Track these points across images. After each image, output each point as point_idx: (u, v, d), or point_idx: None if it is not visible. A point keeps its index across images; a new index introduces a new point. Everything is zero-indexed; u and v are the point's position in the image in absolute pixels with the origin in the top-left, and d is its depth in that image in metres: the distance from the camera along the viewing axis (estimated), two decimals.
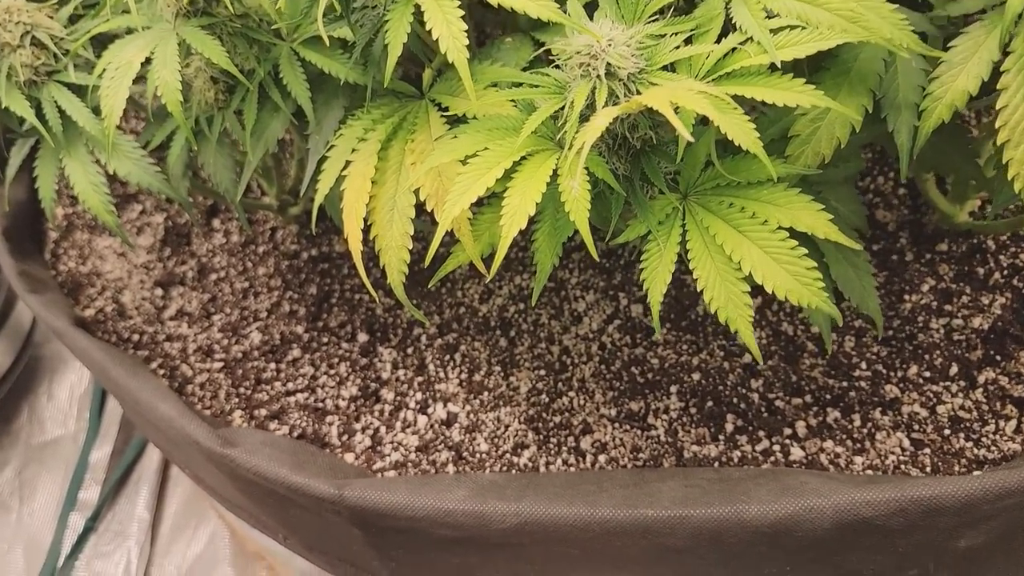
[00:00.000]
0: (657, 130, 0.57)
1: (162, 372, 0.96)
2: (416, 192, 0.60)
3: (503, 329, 0.92)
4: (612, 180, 0.55)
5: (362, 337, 0.95)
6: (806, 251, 0.54)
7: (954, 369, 0.80)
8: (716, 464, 0.79)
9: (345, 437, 0.88)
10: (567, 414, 0.86)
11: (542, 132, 0.57)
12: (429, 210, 0.61)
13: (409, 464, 0.85)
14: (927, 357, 0.81)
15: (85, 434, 1.37)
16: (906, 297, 0.85)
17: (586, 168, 0.54)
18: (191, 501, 1.27)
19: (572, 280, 0.93)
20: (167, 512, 1.28)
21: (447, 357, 0.91)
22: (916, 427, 0.78)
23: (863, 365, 0.82)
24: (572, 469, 0.81)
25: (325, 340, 0.96)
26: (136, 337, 1.00)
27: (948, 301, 0.84)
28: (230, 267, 1.04)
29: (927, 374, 0.81)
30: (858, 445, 0.78)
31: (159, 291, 1.04)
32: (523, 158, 0.55)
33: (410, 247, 0.63)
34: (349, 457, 0.86)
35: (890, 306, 0.85)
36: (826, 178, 0.64)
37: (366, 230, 0.63)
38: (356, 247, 0.63)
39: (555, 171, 0.55)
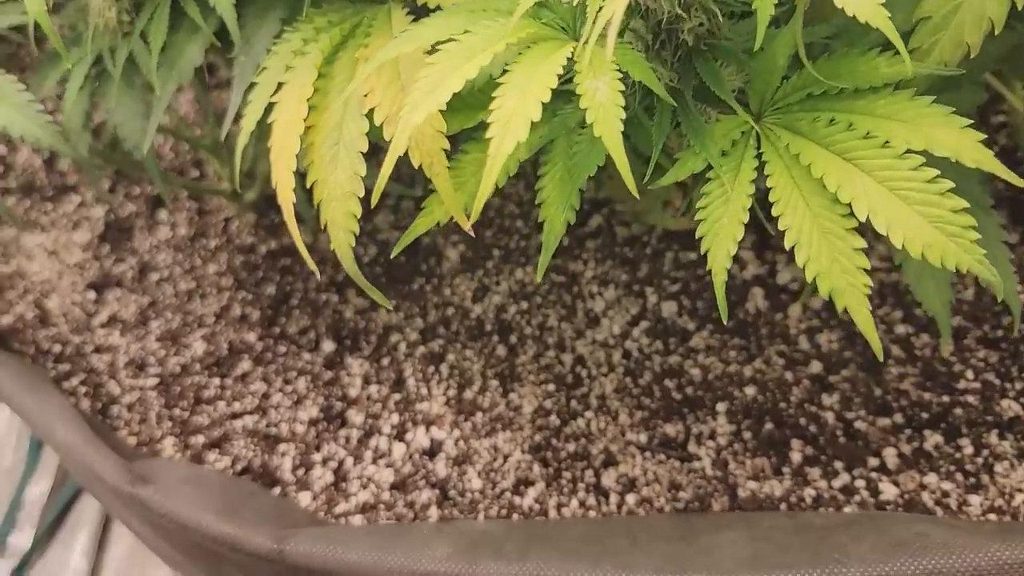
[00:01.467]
0: (717, 20, 0.39)
1: (84, 390, 0.78)
2: (370, 115, 0.42)
3: (501, 334, 0.74)
4: (655, 84, 0.37)
5: (327, 346, 0.76)
6: (952, 184, 0.36)
7: None
8: (783, 506, 0.60)
9: (301, 471, 0.69)
10: (584, 441, 0.67)
11: (549, 19, 0.38)
12: (389, 138, 0.42)
13: (381, 506, 0.66)
14: None
15: (23, 468, 1.18)
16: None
17: (617, 66, 0.35)
18: (138, 548, 1.08)
19: (587, 273, 0.75)
20: (108, 560, 1.09)
21: (431, 369, 0.73)
22: None
23: (968, 374, 0.63)
24: (592, 513, 0.62)
25: (282, 350, 0.77)
26: (58, 348, 0.82)
27: None
28: (175, 265, 0.86)
29: None
30: (972, 480, 0.59)
31: (91, 294, 0.86)
32: (521, 51, 0.36)
33: (361, 194, 0.45)
34: (304, 497, 0.67)
35: (994, 299, 0.66)
36: None
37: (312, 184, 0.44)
38: (287, 199, 0.45)
39: (567, 76, 0.37)
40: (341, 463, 0.70)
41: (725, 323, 0.48)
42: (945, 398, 0.62)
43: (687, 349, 0.69)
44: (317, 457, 0.70)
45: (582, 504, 0.63)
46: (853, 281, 0.37)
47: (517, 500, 0.64)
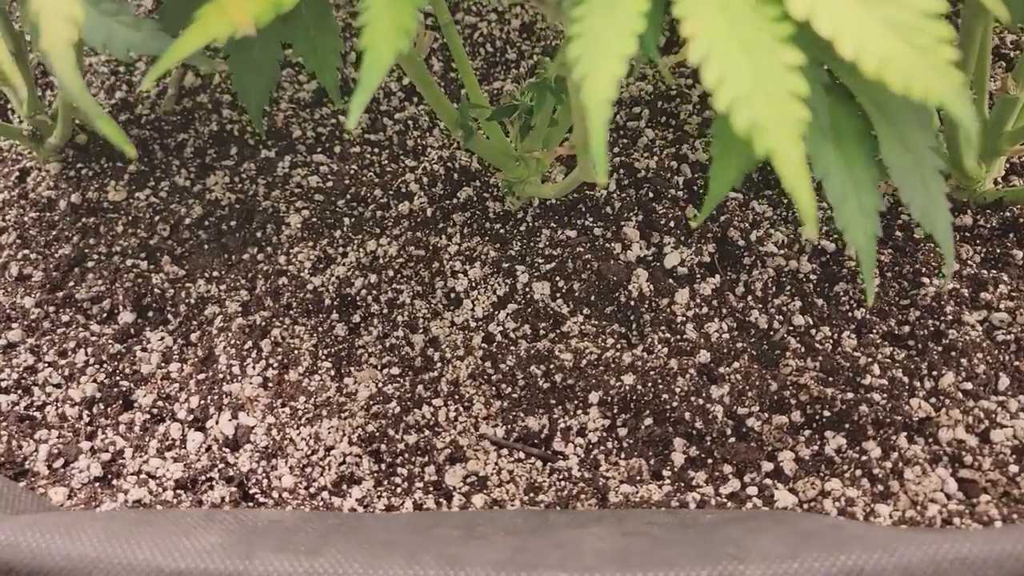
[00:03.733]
0: None
1: None
2: None
3: (343, 310, 0.61)
4: None
5: (125, 317, 0.62)
6: None
7: (1004, 381, 0.54)
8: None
9: (59, 463, 0.54)
10: (428, 432, 0.54)
11: None
12: None
13: (158, 508, 0.51)
14: (964, 362, 0.55)
15: None
16: (924, 280, 0.59)
17: None
18: None
19: (451, 248, 0.64)
20: None
21: (249, 345, 0.59)
22: (965, 460, 0.50)
23: (875, 369, 0.55)
24: None
25: (64, 318, 0.62)
26: None
27: (982, 288, 0.58)
28: None
29: (968, 385, 0.54)
30: (880, 487, 0.50)
31: None
32: None
33: None
34: (58, 493, 0.52)
35: (902, 293, 0.59)
36: None
37: None
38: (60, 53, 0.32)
39: None
40: (116, 455, 0.55)
41: (602, 183, 0.37)
42: (849, 395, 0.53)
43: (559, 335, 0.59)
44: (85, 446, 0.55)
45: (418, 506, 0.50)
46: (783, 111, 0.28)
47: (337, 501, 0.51)
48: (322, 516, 0.44)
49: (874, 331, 0.57)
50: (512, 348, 0.58)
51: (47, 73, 0.77)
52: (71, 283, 0.64)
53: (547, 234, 0.64)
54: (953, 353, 0.55)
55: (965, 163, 0.60)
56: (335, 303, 0.61)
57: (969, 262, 0.60)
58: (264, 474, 0.52)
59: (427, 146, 0.70)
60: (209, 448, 0.54)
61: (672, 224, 0.63)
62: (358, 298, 0.61)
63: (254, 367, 0.58)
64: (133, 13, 0.43)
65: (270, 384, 0.57)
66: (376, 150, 0.71)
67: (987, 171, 0.62)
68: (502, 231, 0.65)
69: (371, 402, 0.56)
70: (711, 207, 0.38)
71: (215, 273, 0.65)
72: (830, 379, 0.54)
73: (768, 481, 0.51)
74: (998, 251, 0.60)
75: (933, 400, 0.53)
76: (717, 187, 0.37)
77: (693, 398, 0.54)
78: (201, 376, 0.58)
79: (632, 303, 0.59)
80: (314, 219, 0.66)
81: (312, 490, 0.52)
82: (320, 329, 0.60)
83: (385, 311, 0.61)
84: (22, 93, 0.68)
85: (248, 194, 0.68)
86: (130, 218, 0.68)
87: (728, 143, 0.37)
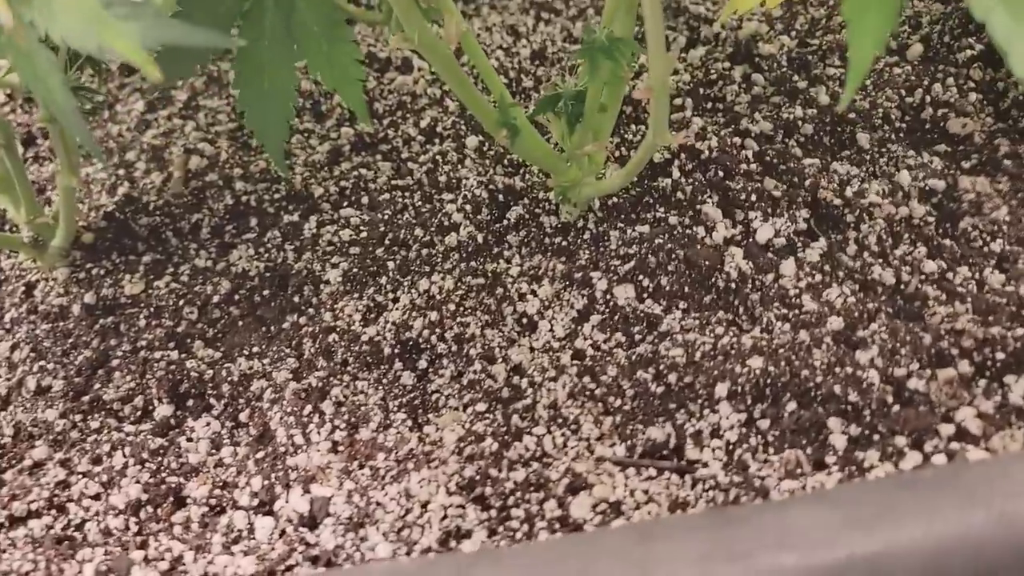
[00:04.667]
0: None
1: None
2: None
3: (406, 356, 0.54)
4: None
5: (163, 410, 0.54)
6: None
7: None
8: None
9: None
10: (537, 465, 0.46)
11: None
12: None
13: None
14: None
15: None
16: None
17: None
18: None
19: (512, 271, 0.57)
20: None
21: (308, 411, 0.51)
22: None
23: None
24: None
25: (93, 425, 0.54)
26: None
27: None
28: None
29: None
30: None
31: None
32: None
33: None
34: None
35: None
36: None
37: None
38: None
39: None
40: (175, 561, 0.46)
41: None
42: (1021, 331, 0.45)
43: (658, 335, 0.51)
44: (137, 556, 0.46)
45: None
46: None
47: None
48: (449, 558, 0.35)
49: (1020, 261, 0.49)
50: (609, 358, 0.50)
51: (42, 177, 0.72)
52: (96, 386, 0.57)
53: (616, 236, 0.57)
54: None
55: None
56: (396, 350, 0.54)
57: None
58: (354, 547, 0.43)
59: (461, 178, 0.64)
60: (283, 532, 0.46)
61: (754, 198, 0.56)
62: (421, 340, 0.54)
63: (319, 433, 0.50)
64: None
65: (340, 448, 0.49)
66: (407, 194, 0.65)
67: None
68: (564, 243, 0.58)
69: (462, 444, 0.47)
70: (859, 77, 0.31)
71: (255, 348, 0.57)
72: (990, 319, 0.46)
73: (955, 445, 0.42)
74: None
75: None
76: (859, 52, 0.31)
77: (838, 369, 0.46)
78: (259, 455, 0.50)
79: (733, 286, 0.52)
80: (355, 270, 0.59)
81: (414, 555, 0.43)
82: (385, 380, 0.52)
83: (454, 348, 0.53)
84: (18, 196, 0.63)
85: (277, 261, 0.62)
86: (152, 309, 0.61)
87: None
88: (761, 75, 0.66)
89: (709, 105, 0.65)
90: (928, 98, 0.61)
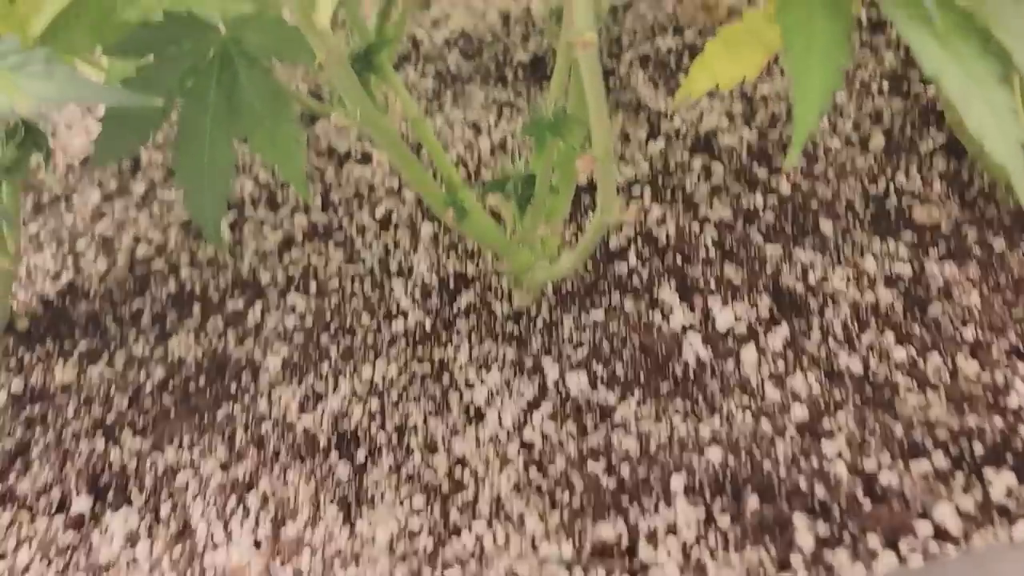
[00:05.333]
0: None
1: None
2: None
3: (343, 447, 0.50)
4: None
5: (80, 503, 0.50)
6: None
7: None
8: None
9: None
10: (475, 565, 0.41)
11: None
12: None
13: None
14: None
15: None
16: None
17: None
18: None
19: (460, 358, 0.54)
20: None
21: (232, 504, 0.47)
22: None
23: (1018, 387, 0.44)
24: None
25: (4, 519, 0.49)
26: None
27: None
28: None
29: None
30: None
31: None
32: None
33: None
34: None
35: (1009, 303, 0.49)
36: None
37: None
38: None
39: None
40: None
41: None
42: (999, 421, 0.42)
43: (612, 425, 0.48)
44: None
45: None
46: None
47: None
48: None
49: (994, 349, 0.47)
50: (559, 449, 0.47)
51: None
52: (11, 479, 0.52)
53: (570, 322, 0.54)
54: None
55: None
56: (333, 440, 0.50)
57: None
58: None
59: (413, 264, 0.62)
60: None
61: (713, 284, 0.54)
62: (359, 430, 0.50)
63: (241, 528, 0.45)
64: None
65: (262, 544, 0.44)
66: (356, 280, 0.63)
67: None
68: (516, 330, 0.55)
69: (395, 542, 0.43)
70: (804, 134, 0.29)
71: (185, 438, 0.53)
72: (966, 408, 0.43)
73: (934, 544, 0.39)
74: None
75: None
76: (804, 108, 0.29)
77: (803, 461, 0.42)
78: (176, 552, 0.45)
79: (691, 373, 0.49)
80: (296, 358, 0.56)
81: None
82: (318, 472, 0.48)
83: (395, 438, 0.50)
84: None
85: (217, 349, 0.59)
86: (82, 398, 0.58)
87: (804, 54, 0.29)
88: (721, 165, 0.65)
89: (668, 195, 0.64)
90: (892, 187, 0.60)
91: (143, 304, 0.64)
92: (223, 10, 0.46)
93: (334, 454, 0.49)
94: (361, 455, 0.49)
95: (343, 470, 0.48)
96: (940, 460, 0.42)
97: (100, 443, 0.54)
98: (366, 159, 0.77)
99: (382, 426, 0.50)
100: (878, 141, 0.65)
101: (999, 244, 0.53)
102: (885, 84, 0.72)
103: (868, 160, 0.63)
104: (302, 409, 0.53)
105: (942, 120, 0.64)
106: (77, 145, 0.87)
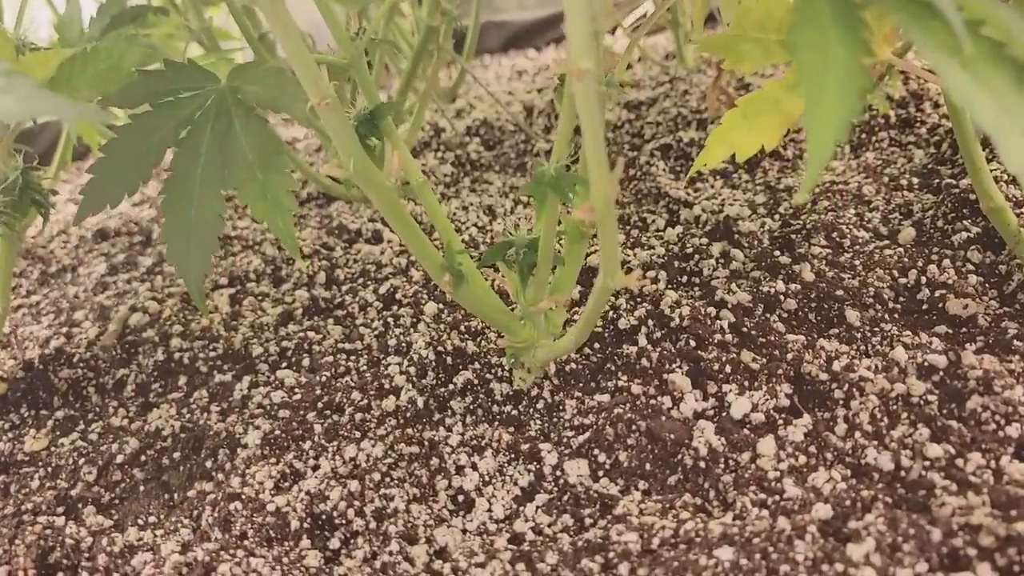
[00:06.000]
0: None
1: None
2: None
3: (317, 532, 0.45)
4: None
5: None
6: None
7: None
8: None
9: None
10: None
11: None
12: None
13: None
14: None
15: None
16: None
17: None
18: None
19: (452, 440, 0.50)
20: None
21: None
22: None
23: None
24: None
25: None
26: None
27: None
28: None
29: None
30: None
31: None
32: None
33: None
34: None
35: None
36: None
37: None
38: None
39: None
40: None
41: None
42: None
43: (613, 519, 0.43)
44: None
45: None
46: None
47: None
48: None
49: None
50: (552, 544, 0.42)
51: None
52: None
53: (572, 405, 0.50)
54: None
55: None
56: (306, 524, 0.45)
57: None
58: None
59: (412, 342, 0.59)
60: None
61: (728, 369, 0.50)
62: (336, 514, 0.46)
63: None
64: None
65: None
66: (352, 357, 0.60)
67: None
68: (514, 412, 0.51)
69: None
70: (818, 165, 0.26)
71: (151, 516, 0.49)
72: (1012, 513, 0.38)
73: None
74: None
75: None
76: (817, 137, 0.26)
77: (825, 566, 0.37)
78: None
79: (702, 464, 0.44)
80: (277, 433, 0.52)
81: None
82: (286, 559, 0.44)
83: (373, 525, 0.45)
84: None
85: (198, 423, 0.55)
86: (49, 469, 0.54)
87: (819, 77, 0.26)
88: (740, 251, 0.62)
89: (684, 279, 0.61)
90: (924, 279, 0.56)
91: (128, 373, 0.61)
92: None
93: (305, 540, 0.45)
94: (335, 542, 0.45)
95: (313, 559, 0.44)
96: (985, 571, 0.36)
97: (60, 519, 0.50)
98: (376, 238, 0.75)
99: (360, 511, 0.45)
100: (908, 233, 0.61)
101: None
102: (915, 180, 0.69)
103: (897, 252, 0.59)
104: (277, 488, 0.48)
105: (977, 212, 0.61)
106: (91, 218, 0.87)
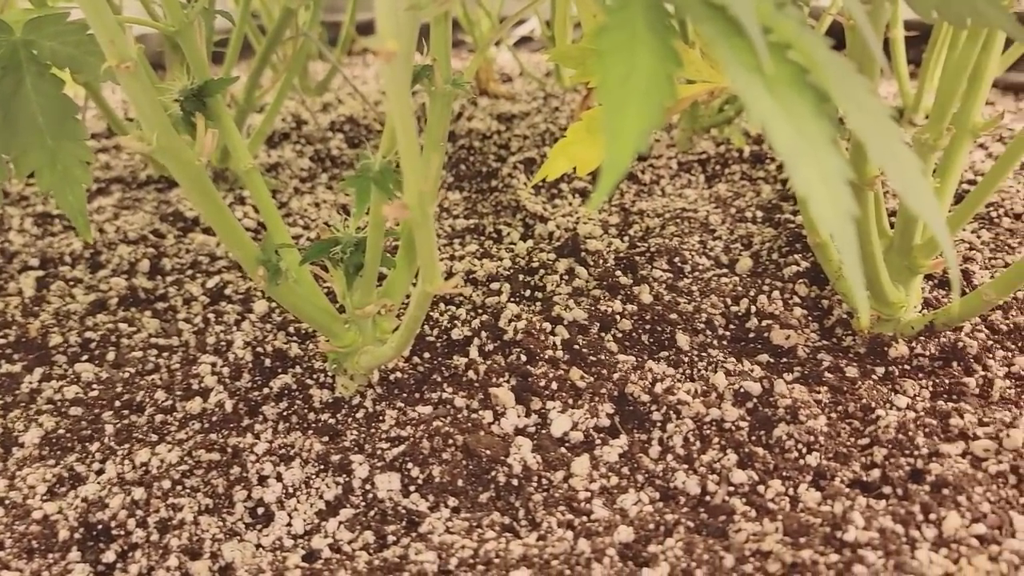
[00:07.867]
0: None
1: None
2: None
3: (88, 544, 0.41)
4: None
5: None
6: None
7: (1021, 519, 0.40)
8: None
9: None
10: None
11: None
12: None
13: None
14: (964, 500, 0.40)
15: None
16: (879, 413, 0.46)
17: None
18: None
19: (259, 448, 0.46)
20: None
21: None
22: None
23: (856, 520, 0.39)
24: None
25: None
26: None
27: (948, 418, 0.46)
28: None
29: (980, 528, 0.39)
30: None
31: None
32: None
33: None
34: None
35: (856, 433, 0.46)
36: None
37: None
38: None
39: None
40: None
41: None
42: (834, 556, 0.37)
43: (416, 536, 0.40)
44: None
45: None
46: None
47: None
48: None
49: (838, 478, 0.42)
50: (347, 562, 0.39)
51: None
52: None
53: (392, 415, 0.48)
54: (947, 491, 0.41)
55: (884, 288, 0.50)
56: (77, 535, 0.41)
57: (919, 397, 0.48)
58: None
59: (232, 342, 0.55)
60: None
61: (555, 386, 0.49)
62: (114, 524, 0.41)
63: None
64: None
65: None
66: (165, 354, 0.55)
67: (907, 294, 0.53)
68: (331, 420, 0.48)
69: None
70: (612, 179, 0.25)
71: None
72: (802, 540, 0.38)
73: None
74: (947, 382, 0.49)
75: (945, 551, 0.38)
76: (614, 149, 0.25)
77: None
78: None
79: (515, 482, 0.43)
80: (61, 432, 0.47)
81: None
82: (47, 574, 0.39)
83: (154, 537, 0.41)
84: None
85: None
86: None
87: (622, 85, 0.25)
88: (585, 269, 0.61)
89: (528, 292, 0.60)
90: (754, 308, 0.57)
91: None
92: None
93: (74, 552, 0.40)
94: (110, 555, 0.40)
95: (80, 573, 0.39)
96: None
97: None
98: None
99: (143, 521, 0.41)
100: (745, 263, 0.62)
101: (852, 371, 0.50)
102: (759, 213, 0.71)
103: (733, 280, 0.60)
104: (50, 494, 0.43)
105: (807, 247, 0.62)
106: None
